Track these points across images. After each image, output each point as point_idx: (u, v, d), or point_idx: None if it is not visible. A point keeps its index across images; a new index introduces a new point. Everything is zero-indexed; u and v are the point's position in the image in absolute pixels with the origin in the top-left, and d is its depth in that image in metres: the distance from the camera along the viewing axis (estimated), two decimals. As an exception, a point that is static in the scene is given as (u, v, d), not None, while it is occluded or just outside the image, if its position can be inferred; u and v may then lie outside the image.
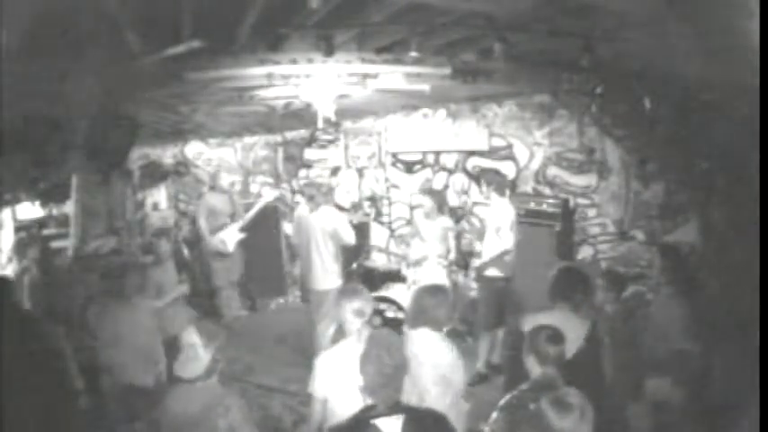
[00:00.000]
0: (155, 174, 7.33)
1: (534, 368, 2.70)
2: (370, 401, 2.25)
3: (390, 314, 5.42)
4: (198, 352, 2.65)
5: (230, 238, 6.60)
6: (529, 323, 3.04)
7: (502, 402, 2.66)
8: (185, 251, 7.05)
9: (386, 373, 2.21)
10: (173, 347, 3.02)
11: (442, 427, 2.33)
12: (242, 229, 6.69)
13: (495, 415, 2.63)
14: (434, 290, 3.30)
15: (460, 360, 3.06)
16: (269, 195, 7.16)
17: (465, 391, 3.17)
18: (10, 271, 5.17)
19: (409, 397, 3.02)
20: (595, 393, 2.35)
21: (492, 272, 5.29)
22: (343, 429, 2.28)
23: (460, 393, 3.09)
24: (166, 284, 4.72)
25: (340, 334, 3.04)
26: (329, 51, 3.35)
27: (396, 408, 2.21)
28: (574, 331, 2.94)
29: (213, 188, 6.90)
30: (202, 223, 6.58)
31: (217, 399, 2.60)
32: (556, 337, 2.71)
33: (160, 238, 5.27)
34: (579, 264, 5.95)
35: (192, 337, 2.69)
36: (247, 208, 6.94)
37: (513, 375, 3.01)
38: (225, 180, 7.08)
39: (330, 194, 5.66)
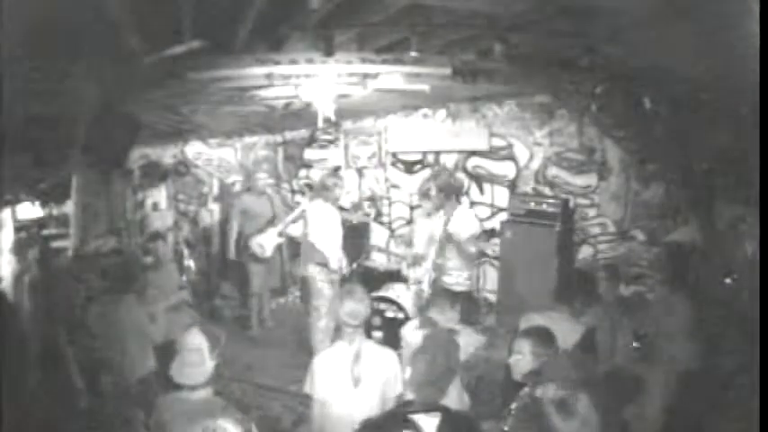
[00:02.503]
0: (155, 174, 7.29)
1: (523, 370, 2.68)
2: (410, 397, 2.30)
3: (390, 314, 5.41)
4: (203, 357, 2.49)
5: (269, 242, 6.19)
6: (524, 323, 3.05)
7: (515, 405, 2.66)
8: (186, 252, 7.04)
9: (436, 372, 2.26)
10: (168, 351, 2.87)
11: None
12: (281, 234, 6.26)
13: (510, 420, 2.62)
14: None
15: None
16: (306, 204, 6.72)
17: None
18: (10, 271, 5.17)
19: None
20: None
21: (453, 285, 4.92)
22: (380, 422, 2.30)
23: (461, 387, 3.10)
24: (167, 288, 4.71)
25: (338, 334, 3.03)
26: (329, 51, 3.35)
27: (433, 407, 2.24)
28: (564, 336, 2.91)
29: (249, 189, 6.61)
30: (234, 225, 6.30)
31: (217, 417, 2.41)
32: (545, 337, 2.69)
33: (155, 241, 5.23)
34: (582, 264, 5.96)
35: (196, 340, 2.52)
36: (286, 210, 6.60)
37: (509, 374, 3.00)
38: (262, 181, 6.57)
39: (320, 190, 5.54)
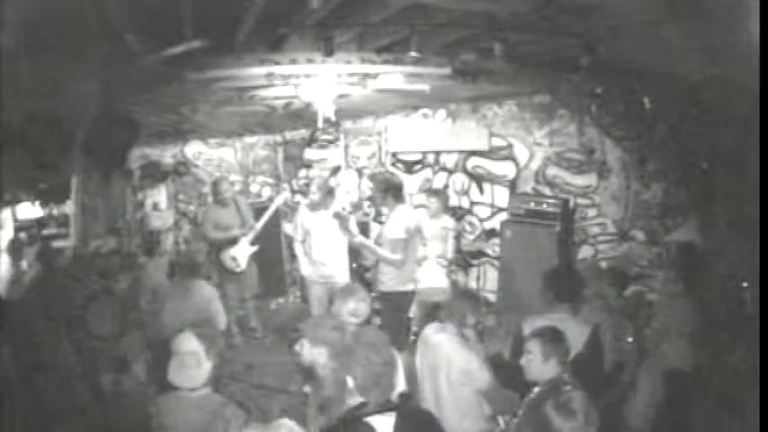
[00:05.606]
0: (155, 174, 7.30)
1: (536, 370, 2.68)
2: (361, 399, 2.24)
3: (390, 314, 5.40)
4: (200, 359, 2.47)
5: (242, 253, 5.94)
6: (528, 326, 3.04)
7: (524, 405, 2.66)
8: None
9: (376, 371, 2.21)
10: (164, 350, 2.81)
11: (433, 427, 2.32)
12: (253, 242, 6.00)
13: (517, 419, 2.62)
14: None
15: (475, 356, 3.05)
16: (279, 199, 6.63)
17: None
18: (9, 271, 5.17)
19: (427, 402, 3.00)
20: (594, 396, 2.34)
21: (393, 286, 4.66)
22: (336, 427, 2.27)
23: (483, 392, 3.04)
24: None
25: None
26: (329, 51, 3.35)
27: (387, 405, 2.20)
28: (572, 337, 2.91)
29: (215, 201, 6.16)
30: (211, 234, 5.97)
31: (216, 413, 2.45)
32: (555, 335, 2.70)
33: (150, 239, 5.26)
34: (576, 263, 5.96)
35: (191, 344, 2.50)
36: (257, 211, 6.28)
37: (514, 377, 3.00)
38: (228, 191, 6.10)
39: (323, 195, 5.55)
